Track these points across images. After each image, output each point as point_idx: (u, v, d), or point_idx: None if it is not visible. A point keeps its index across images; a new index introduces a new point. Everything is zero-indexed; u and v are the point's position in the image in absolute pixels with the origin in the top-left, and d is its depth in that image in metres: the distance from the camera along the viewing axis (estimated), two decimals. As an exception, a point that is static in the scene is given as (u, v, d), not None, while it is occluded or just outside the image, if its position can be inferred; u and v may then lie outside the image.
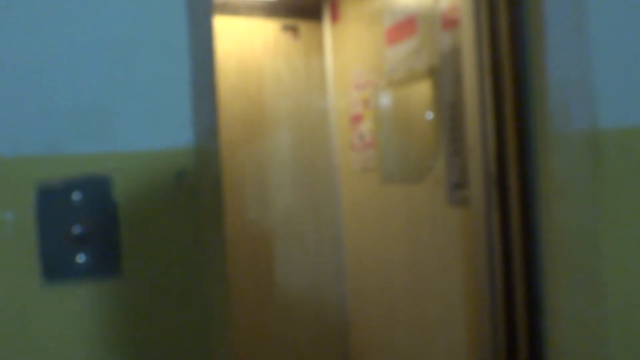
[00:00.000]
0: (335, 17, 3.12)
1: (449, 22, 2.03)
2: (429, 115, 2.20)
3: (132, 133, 0.96)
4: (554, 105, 1.40)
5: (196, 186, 0.99)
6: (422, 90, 2.28)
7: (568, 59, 1.39)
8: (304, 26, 3.16)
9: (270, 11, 3.08)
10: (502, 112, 1.59)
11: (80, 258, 0.95)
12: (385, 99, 2.62)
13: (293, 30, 3.13)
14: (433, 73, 2.14)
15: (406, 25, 2.35)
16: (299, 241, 3.16)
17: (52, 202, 0.93)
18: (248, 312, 3.03)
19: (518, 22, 1.48)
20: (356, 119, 2.90)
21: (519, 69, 1.50)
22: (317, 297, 3.20)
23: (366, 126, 2.78)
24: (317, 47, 3.19)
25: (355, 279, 3.07)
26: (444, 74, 2.08)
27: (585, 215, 1.39)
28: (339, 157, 3.18)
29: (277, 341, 3.09)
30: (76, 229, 0.94)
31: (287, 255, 3.13)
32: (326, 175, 3.20)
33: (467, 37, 1.73)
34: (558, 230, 1.43)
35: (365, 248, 2.89)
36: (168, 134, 0.98)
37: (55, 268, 0.94)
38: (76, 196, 0.94)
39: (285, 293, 3.13)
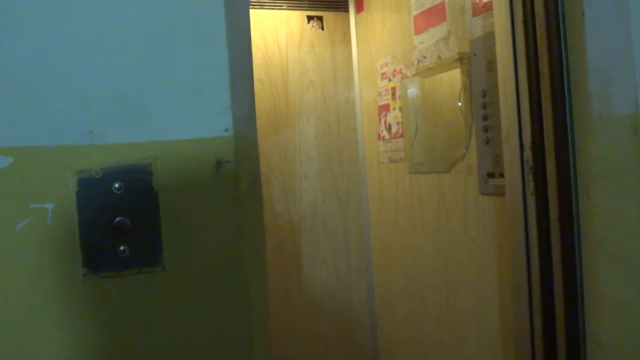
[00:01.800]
0: (360, 6, 3.09)
1: (481, 7, 1.99)
2: (460, 103, 2.17)
3: (170, 121, 0.95)
4: (594, 88, 1.37)
5: (236, 174, 0.97)
6: (452, 79, 2.24)
7: (608, 40, 1.35)
8: (329, 17, 3.14)
9: (295, 2, 3.07)
10: (539, 98, 1.55)
11: (122, 248, 0.94)
12: (414, 88, 2.59)
13: (318, 21, 3.11)
14: (463, 60, 2.11)
15: (435, 12, 2.32)
16: (326, 233, 3.15)
17: (92, 192, 0.93)
18: (275, 304, 3.03)
19: (554, 2, 1.44)
20: (383, 109, 2.87)
21: (557, 52, 1.47)
22: (345, 289, 3.19)
23: (394, 116, 2.76)
24: (343, 37, 3.17)
25: (383, 270, 3.05)
26: (474, 61, 2.04)
27: (627, 200, 1.36)
28: (366, 148, 3.16)
29: (305, 334, 3.09)
30: (117, 219, 0.93)
31: (314, 247, 3.13)
32: (353, 166, 3.18)
33: (500, 21, 1.69)
34: (599, 216, 1.40)
35: (394, 239, 2.87)
36: (207, 122, 0.96)
37: (96, 259, 0.93)
38: (116, 186, 0.94)
39: (313, 285, 3.12)
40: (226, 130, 0.97)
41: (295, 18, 3.08)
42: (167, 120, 0.95)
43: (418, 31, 2.47)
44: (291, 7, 3.06)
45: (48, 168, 0.91)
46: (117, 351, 0.95)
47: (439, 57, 2.30)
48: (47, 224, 0.91)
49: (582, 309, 1.48)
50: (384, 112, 2.87)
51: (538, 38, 1.53)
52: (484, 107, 2.00)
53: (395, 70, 2.72)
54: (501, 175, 1.88)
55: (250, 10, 2.95)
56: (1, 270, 0.89)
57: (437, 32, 2.31)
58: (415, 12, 2.49)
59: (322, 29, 3.12)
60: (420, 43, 2.45)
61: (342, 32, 3.17)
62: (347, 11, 3.18)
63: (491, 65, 1.93)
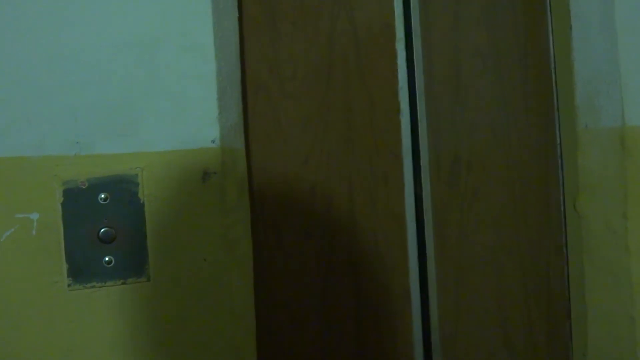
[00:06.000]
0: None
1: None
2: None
3: (157, 132, 0.95)
4: (581, 101, 1.38)
5: (222, 185, 0.97)
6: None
7: (595, 53, 1.36)
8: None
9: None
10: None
11: (107, 259, 0.94)
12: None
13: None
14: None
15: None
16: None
17: (78, 202, 0.93)
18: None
19: (543, 16, 1.45)
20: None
21: (545, 65, 1.47)
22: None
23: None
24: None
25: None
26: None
27: (613, 212, 1.36)
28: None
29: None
30: (102, 230, 0.93)
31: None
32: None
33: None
34: (585, 228, 1.41)
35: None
36: (194, 133, 0.97)
37: (81, 269, 0.93)
38: (102, 196, 0.93)
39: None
40: (213, 141, 0.97)
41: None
42: (154, 131, 0.95)
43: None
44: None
45: (34, 178, 0.91)
46: (101, 361, 0.95)
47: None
48: (32, 234, 0.91)
49: (569, 319, 1.49)
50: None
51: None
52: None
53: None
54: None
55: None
56: (-15, 280, 0.89)
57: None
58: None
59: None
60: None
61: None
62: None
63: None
